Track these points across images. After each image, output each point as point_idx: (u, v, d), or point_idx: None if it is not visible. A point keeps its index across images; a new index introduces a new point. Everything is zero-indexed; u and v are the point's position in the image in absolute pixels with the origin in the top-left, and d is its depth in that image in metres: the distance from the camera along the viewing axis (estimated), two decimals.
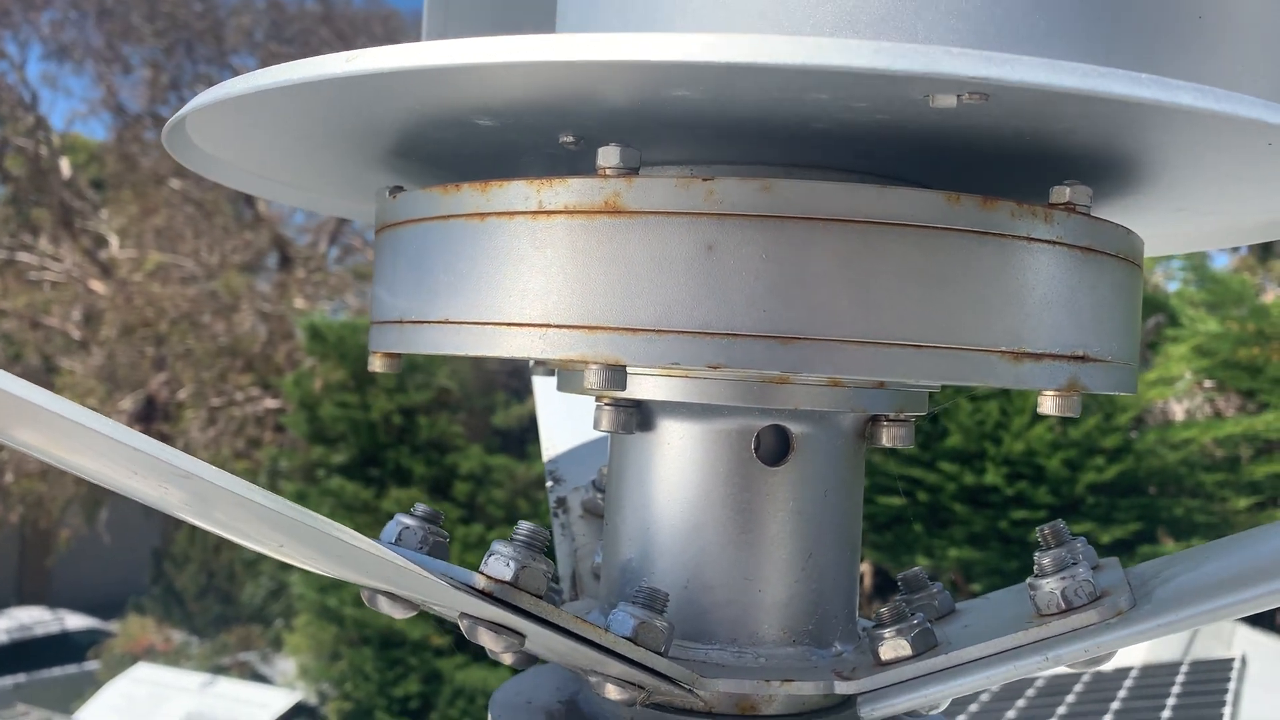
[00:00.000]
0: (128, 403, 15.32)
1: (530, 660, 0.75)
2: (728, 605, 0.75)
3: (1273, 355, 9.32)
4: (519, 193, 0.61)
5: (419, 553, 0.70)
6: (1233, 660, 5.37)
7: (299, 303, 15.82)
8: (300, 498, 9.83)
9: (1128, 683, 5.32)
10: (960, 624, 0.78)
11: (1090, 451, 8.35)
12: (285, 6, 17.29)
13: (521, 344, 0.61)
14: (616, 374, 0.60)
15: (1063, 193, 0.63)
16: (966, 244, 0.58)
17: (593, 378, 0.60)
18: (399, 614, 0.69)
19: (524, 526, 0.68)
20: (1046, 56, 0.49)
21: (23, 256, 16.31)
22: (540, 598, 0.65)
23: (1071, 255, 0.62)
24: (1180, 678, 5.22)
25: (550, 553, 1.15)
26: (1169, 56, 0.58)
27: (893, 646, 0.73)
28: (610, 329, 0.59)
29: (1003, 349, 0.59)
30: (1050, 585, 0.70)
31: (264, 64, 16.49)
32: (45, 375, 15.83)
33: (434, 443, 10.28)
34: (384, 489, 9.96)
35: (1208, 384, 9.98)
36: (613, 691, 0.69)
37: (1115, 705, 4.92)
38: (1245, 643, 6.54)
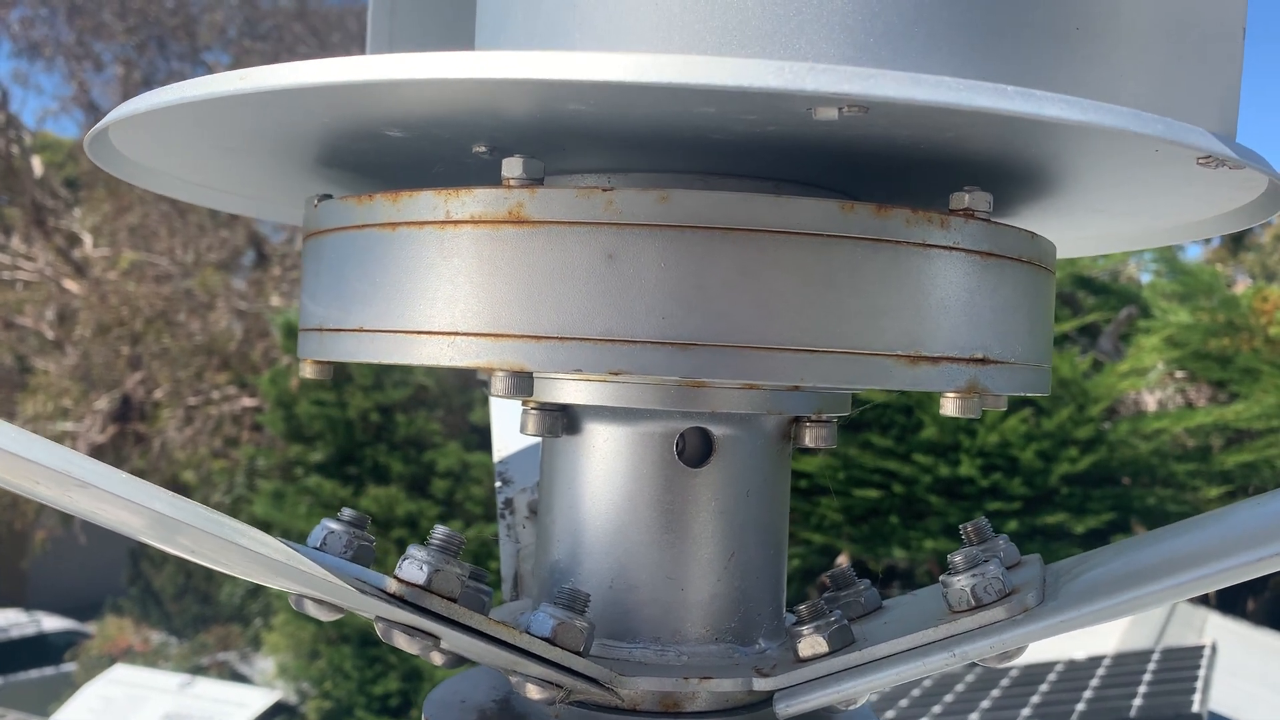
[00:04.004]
0: (103, 403, 15.21)
1: (473, 662, 0.76)
2: (651, 604, 0.76)
3: (1243, 346, 9.41)
4: (428, 203, 0.62)
5: (342, 558, 0.71)
6: (1204, 647, 5.44)
7: (275, 300, 15.73)
8: (278, 496, 9.80)
9: (1100, 670, 5.37)
10: (882, 620, 0.79)
11: (1063, 443, 8.41)
12: (258, 3, 17.14)
13: (431, 352, 0.62)
14: (522, 380, 0.61)
15: (961, 199, 0.64)
16: (860, 251, 0.59)
17: (499, 384, 0.61)
18: (324, 616, 0.70)
19: (439, 531, 0.69)
20: (927, 69, 0.50)
21: None
22: (454, 600, 0.66)
23: (970, 260, 0.63)
24: (1152, 665, 5.28)
25: (493, 557, 1.16)
26: (1050, 67, 0.59)
27: (810, 644, 0.74)
28: (515, 336, 0.60)
29: (898, 352, 0.61)
30: (961, 582, 0.71)
31: (237, 61, 16.37)
32: (19, 376, 15.70)
33: (412, 440, 10.25)
34: (362, 487, 9.93)
35: (1179, 375, 10.07)
36: (533, 691, 0.70)
37: (1088, 694, 4.97)
38: (1217, 630, 6.61)
